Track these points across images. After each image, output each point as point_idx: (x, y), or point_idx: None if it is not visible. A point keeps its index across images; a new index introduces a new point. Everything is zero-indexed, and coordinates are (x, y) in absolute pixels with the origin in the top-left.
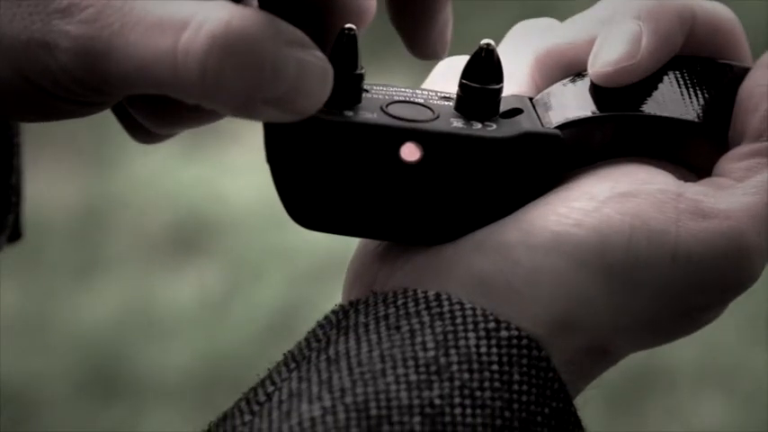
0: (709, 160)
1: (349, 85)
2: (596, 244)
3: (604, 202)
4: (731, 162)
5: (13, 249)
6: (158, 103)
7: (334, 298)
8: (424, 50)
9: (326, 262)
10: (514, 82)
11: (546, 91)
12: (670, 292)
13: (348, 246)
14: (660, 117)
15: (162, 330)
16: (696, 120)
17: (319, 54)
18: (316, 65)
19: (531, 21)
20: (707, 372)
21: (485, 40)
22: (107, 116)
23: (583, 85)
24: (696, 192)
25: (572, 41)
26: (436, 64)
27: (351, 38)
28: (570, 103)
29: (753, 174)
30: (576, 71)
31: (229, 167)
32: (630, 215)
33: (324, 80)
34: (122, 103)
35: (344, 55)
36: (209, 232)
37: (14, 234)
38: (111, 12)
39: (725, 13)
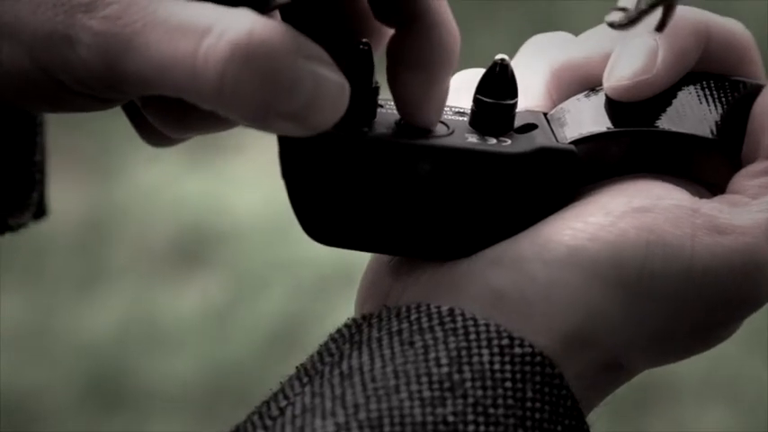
0: (723, 177)
1: (364, 101)
2: (612, 258)
3: (620, 217)
4: (745, 179)
5: (15, 260)
6: (172, 107)
7: (338, 310)
8: (418, 120)
9: (330, 274)
10: (530, 96)
11: (560, 106)
12: (685, 307)
13: (351, 258)
14: (675, 133)
15: (165, 341)
16: (710, 136)
17: (337, 71)
18: (333, 81)
19: (546, 35)
20: (710, 383)
21: (499, 56)
22: (110, 127)
23: (597, 101)
24: (711, 208)
25: (588, 56)
26: None
27: (366, 53)
28: (585, 119)
29: (767, 191)
30: (591, 86)
31: (233, 179)
32: (646, 230)
33: (340, 97)
34: (135, 105)
35: (359, 70)
36: (213, 244)
37: (39, 211)
38: (136, 10)
39: (739, 29)
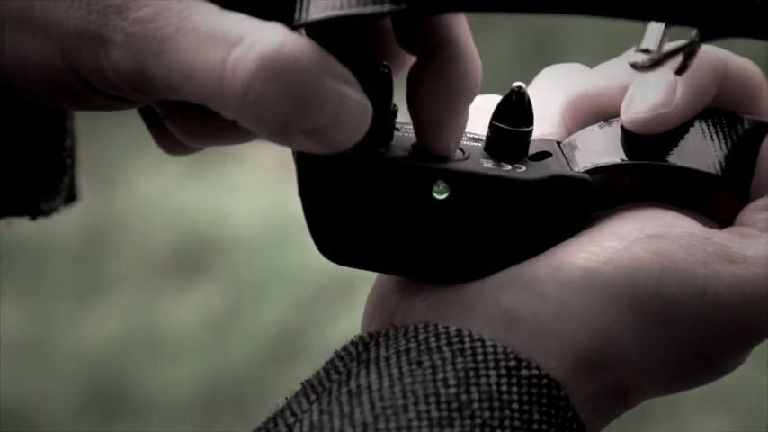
0: (732, 211)
1: (382, 123)
2: (627, 282)
3: (634, 242)
4: (754, 213)
5: (16, 269)
6: (194, 116)
7: (337, 319)
8: (436, 147)
9: (329, 284)
10: (545, 124)
11: (574, 135)
12: (696, 334)
13: (351, 269)
14: (686, 169)
15: (165, 351)
16: (720, 173)
17: (361, 92)
18: (356, 101)
19: (562, 65)
20: (710, 391)
21: (516, 83)
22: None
23: (612, 132)
24: (723, 237)
25: (605, 87)
26: None
27: (385, 76)
28: (599, 149)
29: None
30: (606, 117)
31: (233, 189)
32: (660, 255)
33: (362, 117)
34: (153, 110)
35: (379, 92)
36: (213, 253)
37: (70, 196)
38: (169, 15)
39: (753, 69)
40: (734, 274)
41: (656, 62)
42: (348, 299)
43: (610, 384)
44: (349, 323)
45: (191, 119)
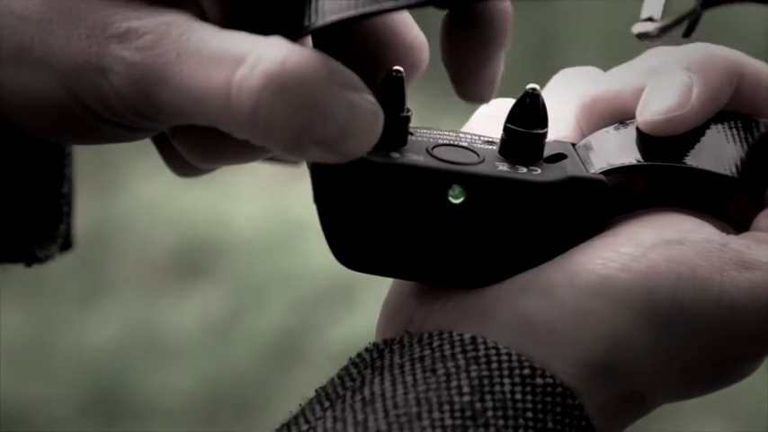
0: (747, 215)
1: (395, 127)
2: (643, 289)
3: (651, 248)
4: None
5: (16, 273)
6: (202, 137)
7: (338, 322)
8: (471, 94)
9: (330, 286)
10: (560, 126)
11: (589, 137)
12: (711, 340)
13: (351, 271)
14: (702, 170)
15: (165, 354)
16: (735, 175)
17: (371, 98)
18: (367, 108)
19: (575, 69)
20: (710, 397)
21: (530, 85)
22: None
23: (627, 133)
24: (739, 243)
25: (619, 90)
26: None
27: (398, 80)
28: (615, 150)
29: None
30: (620, 119)
31: (233, 192)
32: (677, 262)
33: (374, 124)
34: (163, 134)
35: (391, 97)
36: (213, 256)
37: (66, 244)
38: (169, 41)
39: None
40: (750, 281)
41: (662, 30)
42: (349, 302)
43: (624, 391)
44: (350, 326)
45: (198, 139)
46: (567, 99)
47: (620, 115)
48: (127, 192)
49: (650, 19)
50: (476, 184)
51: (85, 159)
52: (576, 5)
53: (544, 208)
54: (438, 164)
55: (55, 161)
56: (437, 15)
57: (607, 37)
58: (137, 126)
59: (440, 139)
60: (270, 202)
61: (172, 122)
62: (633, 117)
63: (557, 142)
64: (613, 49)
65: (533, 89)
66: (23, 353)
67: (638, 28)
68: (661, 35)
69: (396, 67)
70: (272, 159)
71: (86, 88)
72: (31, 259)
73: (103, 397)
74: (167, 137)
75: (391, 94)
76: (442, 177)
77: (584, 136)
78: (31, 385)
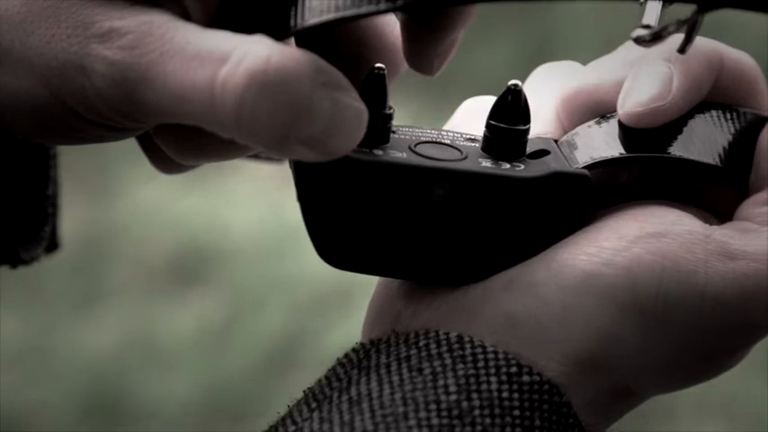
0: (731, 205)
1: (378, 125)
2: (628, 283)
3: (634, 242)
4: (753, 207)
5: (14, 279)
6: (186, 135)
7: (335, 327)
8: (421, 64)
9: (327, 291)
10: (540, 122)
11: (571, 132)
12: (697, 332)
13: (349, 276)
14: (685, 160)
15: (163, 359)
16: (719, 164)
17: (355, 96)
18: (351, 106)
19: (554, 63)
20: (707, 399)
21: (512, 81)
22: (108, 146)
23: (609, 127)
24: (723, 234)
25: (599, 83)
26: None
27: (380, 77)
28: (597, 144)
29: None
30: (601, 113)
31: (230, 197)
32: (661, 255)
33: (359, 122)
34: (147, 132)
35: (374, 94)
36: (210, 262)
37: (51, 245)
38: (151, 40)
39: (750, 62)
40: (734, 271)
41: (657, 35)
42: (346, 307)
43: (612, 385)
44: (347, 331)
45: (182, 138)
46: (546, 94)
47: (600, 109)
48: (124, 198)
49: (648, 26)
50: (459, 180)
51: (82, 165)
52: (574, 9)
53: (528, 203)
54: (421, 161)
55: (40, 163)
56: None
57: (605, 40)
58: (120, 126)
59: (422, 136)
60: (267, 208)
61: (155, 122)
62: (614, 110)
63: (539, 138)
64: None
65: (515, 85)
66: (22, 359)
67: (636, 33)
68: (654, 41)
69: (378, 65)
70: (257, 157)
71: (68, 88)
72: (15, 261)
73: (102, 402)
74: (151, 135)
75: (374, 91)
76: (425, 174)
77: (564, 131)
78: (30, 391)
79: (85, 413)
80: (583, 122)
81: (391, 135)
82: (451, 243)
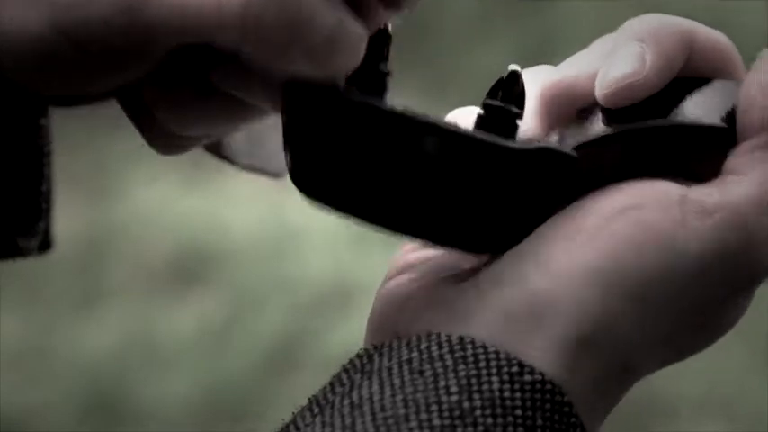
0: (719, 172)
1: (376, 78)
2: (609, 262)
3: (612, 218)
4: (737, 158)
5: (14, 279)
6: (184, 99)
7: (335, 328)
8: (388, 1)
9: (327, 292)
10: (523, 120)
11: (554, 131)
12: (684, 298)
13: (349, 276)
14: (668, 126)
15: (163, 360)
16: (700, 124)
17: (357, 19)
18: (354, 26)
19: (529, 69)
20: (708, 400)
21: (512, 66)
22: (108, 147)
23: (590, 114)
24: (700, 193)
25: (577, 75)
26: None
27: (387, 36)
28: (581, 131)
29: (756, 165)
30: (581, 105)
31: (230, 198)
32: (639, 227)
33: (358, 41)
34: (140, 108)
35: (378, 48)
36: (210, 262)
37: (45, 243)
38: None
39: (723, 38)
40: (713, 227)
41: None
42: (346, 307)
43: (608, 366)
44: (347, 331)
45: (181, 102)
46: (527, 92)
47: (580, 100)
48: (124, 198)
49: None
50: (450, 138)
51: (82, 166)
52: (575, 8)
53: (514, 174)
54: (415, 114)
55: (35, 159)
56: (437, 14)
57: None
58: (126, 63)
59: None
60: (267, 209)
61: (164, 46)
62: (593, 101)
63: (529, 140)
64: None
65: (515, 70)
66: (22, 359)
67: None
68: None
69: (388, 24)
70: (253, 168)
71: (72, 18)
72: (13, 251)
73: (102, 403)
74: (145, 110)
75: (378, 46)
76: (418, 127)
77: (547, 125)
78: (30, 391)
79: (85, 413)
80: (563, 115)
81: (387, 95)
82: (433, 200)
